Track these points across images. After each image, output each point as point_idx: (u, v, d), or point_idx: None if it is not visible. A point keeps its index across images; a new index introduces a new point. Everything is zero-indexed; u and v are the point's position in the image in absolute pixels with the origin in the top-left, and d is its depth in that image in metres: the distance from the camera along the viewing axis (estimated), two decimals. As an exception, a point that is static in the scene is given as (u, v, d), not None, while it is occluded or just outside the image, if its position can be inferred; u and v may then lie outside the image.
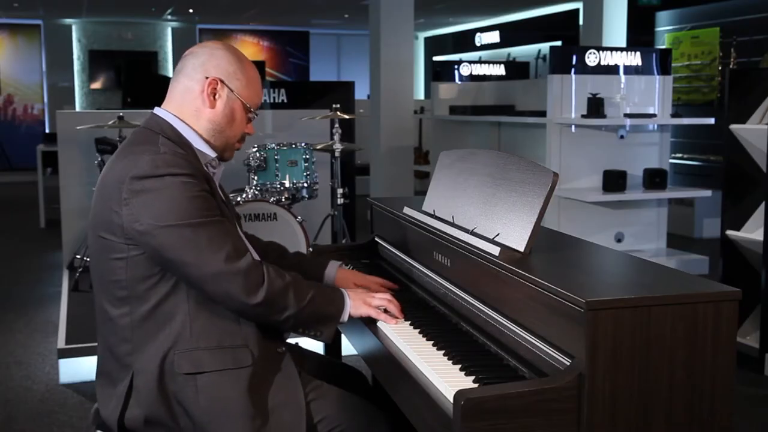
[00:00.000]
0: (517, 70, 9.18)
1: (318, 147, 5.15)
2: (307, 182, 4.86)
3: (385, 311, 2.00)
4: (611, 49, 5.93)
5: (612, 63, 5.86)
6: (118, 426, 1.78)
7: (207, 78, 1.85)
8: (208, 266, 1.72)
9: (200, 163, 1.84)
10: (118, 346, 1.80)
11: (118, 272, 1.76)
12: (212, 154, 1.91)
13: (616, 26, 8.50)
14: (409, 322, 1.97)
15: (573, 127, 5.78)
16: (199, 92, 1.86)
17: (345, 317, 1.93)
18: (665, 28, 9.28)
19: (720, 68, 8.37)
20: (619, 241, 6.01)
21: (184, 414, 1.76)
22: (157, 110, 1.89)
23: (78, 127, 5.37)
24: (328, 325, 1.90)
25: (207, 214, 1.74)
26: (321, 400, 1.85)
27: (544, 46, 11.88)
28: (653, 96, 6.01)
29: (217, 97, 1.86)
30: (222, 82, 1.86)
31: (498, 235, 1.91)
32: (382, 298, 2.01)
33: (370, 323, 2.00)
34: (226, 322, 1.80)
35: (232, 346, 1.79)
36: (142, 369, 1.76)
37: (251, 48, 15.27)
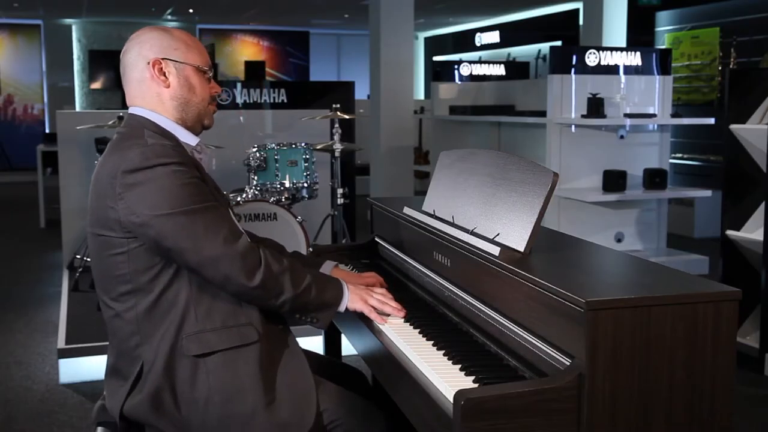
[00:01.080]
0: (517, 70, 9.19)
1: (318, 147, 5.14)
2: (307, 182, 4.86)
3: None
4: (611, 49, 5.93)
5: (612, 63, 5.86)
6: (120, 415, 1.79)
7: (149, 63, 1.86)
8: (206, 250, 1.74)
9: (186, 152, 1.86)
10: (127, 341, 1.82)
11: (121, 267, 1.78)
12: (194, 141, 1.92)
13: (616, 26, 8.50)
14: (409, 322, 1.97)
15: (573, 127, 5.77)
16: (150, 78, 1.87)
17: (342, 307, 1.96)
18: (665, 28, 9.28)
19: (720, 68, 8.37)
20: (619, 241, 6.01)
21: (189, 402, 1.77)
22: (132, 109, 1.91)
23: (78, 127, 5.37)
24: (324, 312, 1.93)
25: (200, 200, 1.76)
26: (321, 395, 1.86)
27: (544, 46, 11.88)
28: (653, 96, 6.01)
29: (167, 74, 1.87)
30: (164, 59, 1.87)
31: (498, 235, 1.91)
32: (380, 299, 2.02)
33: (369, 322, 2.00)
34: (229, 303, 1.82)
35: (236, 325, 1.82)
36: (151, 358, 1.78)
37: (251, 48, 15.25)
